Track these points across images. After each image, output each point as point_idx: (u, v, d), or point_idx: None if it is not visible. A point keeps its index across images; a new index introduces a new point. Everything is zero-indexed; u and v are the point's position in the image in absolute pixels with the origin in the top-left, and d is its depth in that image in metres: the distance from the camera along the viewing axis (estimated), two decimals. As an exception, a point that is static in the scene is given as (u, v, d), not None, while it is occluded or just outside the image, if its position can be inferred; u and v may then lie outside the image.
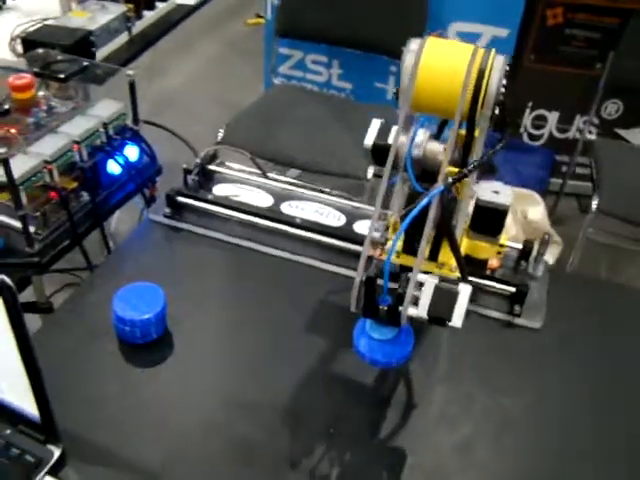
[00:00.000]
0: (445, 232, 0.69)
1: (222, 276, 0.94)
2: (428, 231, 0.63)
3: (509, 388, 0.78)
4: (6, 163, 0.84)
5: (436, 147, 0.70)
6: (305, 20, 2.08)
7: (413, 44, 0.65)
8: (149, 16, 1.71)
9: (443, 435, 0.72)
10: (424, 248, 0.63)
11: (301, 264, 0.93)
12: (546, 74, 2.28)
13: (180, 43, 3.35)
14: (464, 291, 0.64)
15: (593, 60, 2.17)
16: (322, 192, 1.07)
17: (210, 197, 1.02)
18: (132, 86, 1.07)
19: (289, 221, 0.99)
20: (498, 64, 0.64)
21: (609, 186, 1.77)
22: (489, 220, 0.84)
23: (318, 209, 1.02)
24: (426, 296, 0.63)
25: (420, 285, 0.64)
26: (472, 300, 0.87)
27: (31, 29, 1.52)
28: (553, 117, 2.40)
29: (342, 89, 2.38)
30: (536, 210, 1.94)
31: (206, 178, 1.08)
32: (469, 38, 2.13)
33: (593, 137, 2.28)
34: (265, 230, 0.99)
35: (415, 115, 0.70)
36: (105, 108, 1.07)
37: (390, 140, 0.70)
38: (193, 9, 1.79)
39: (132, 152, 1.12)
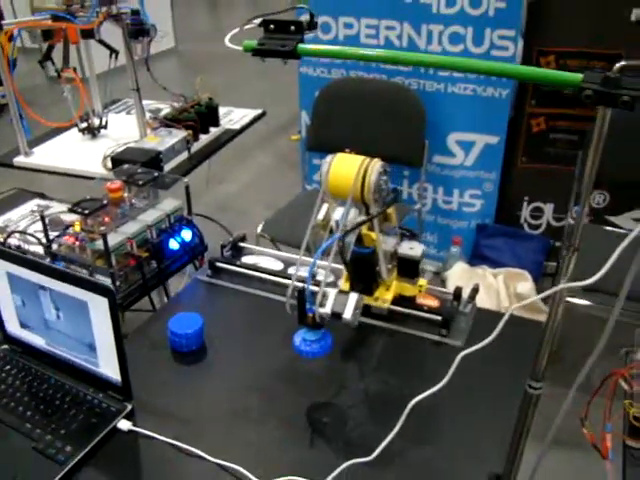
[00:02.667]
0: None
1: (243, 313, 1.34)
2: (330, 260, 1.04)
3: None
4: (105, 237, 1.30)
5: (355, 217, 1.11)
6: (328, 137, 2.53)
7: (328, 157, 1.09)
8: (204, 138, 2.23)
9: (363, 408, 1.08)
10: (329, 265, 1.04)
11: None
12: (537, 172, 2.65)
13: (237, 155, 3.95)
14: (352, 297, 1.04)
15: (575, 158, 2.52)
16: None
17: (238, 263, 1.45)
18: (187, 189, 1.54)
19: (290, 278, 1.39)
20: (376, 167, 1.05)
21: (583, 264, 2.10)
22: (407, 268, 1.23)
23: (312, 270, 1.43)
24: (330, 300, 1.03)
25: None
26: (402, 323, 1.25)
27: (117, 150, 2.05)
28: (549, 208, 2.73)
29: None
30: (524, 285, 2.28)
31: (237, 251, 1.51)
32: (465, 145, 2.56)
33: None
34: (275, 284, 1.40)
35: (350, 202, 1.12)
36: (168, 204, 1.54)
37: (333, 217, 1.12)
38: (238, 132, 2.31)
39: (187, 234, 1.56)
